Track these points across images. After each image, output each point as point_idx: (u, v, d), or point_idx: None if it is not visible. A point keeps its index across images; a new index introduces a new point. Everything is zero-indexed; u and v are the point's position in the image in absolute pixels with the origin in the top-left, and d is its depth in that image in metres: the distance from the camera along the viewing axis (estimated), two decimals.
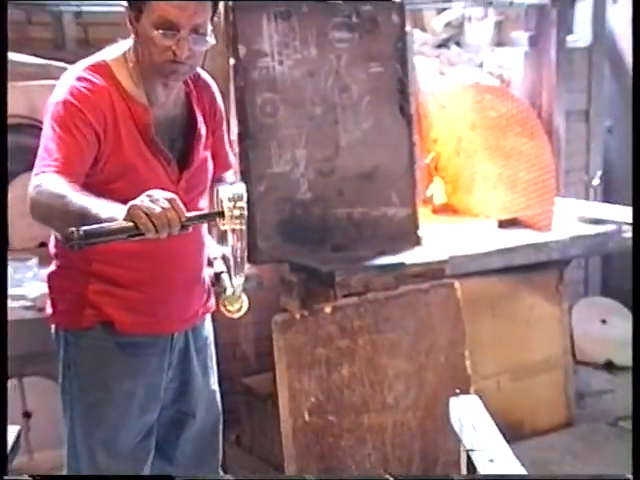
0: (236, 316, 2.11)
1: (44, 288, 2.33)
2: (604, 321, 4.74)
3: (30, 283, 3.06)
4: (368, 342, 3.33)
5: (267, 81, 3.45)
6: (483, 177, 4.15)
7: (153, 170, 2.11)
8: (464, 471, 2.01)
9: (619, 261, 4.93)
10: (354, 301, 3.29)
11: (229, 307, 2.11)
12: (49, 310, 2.27)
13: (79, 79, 2.05)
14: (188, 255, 2.22)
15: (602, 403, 4.24)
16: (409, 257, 3.47)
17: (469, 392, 3.15)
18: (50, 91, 2.11)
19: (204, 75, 2.30)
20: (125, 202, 1.81)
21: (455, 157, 4.28)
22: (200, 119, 2.21)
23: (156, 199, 1.77)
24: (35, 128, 2.83)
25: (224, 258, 2.23)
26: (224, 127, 2.36)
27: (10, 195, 3.04)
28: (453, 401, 2.14)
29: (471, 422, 2.00)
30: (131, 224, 1.76)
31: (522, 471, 1.73)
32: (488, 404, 2.13)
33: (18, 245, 3.33)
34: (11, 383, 3.38)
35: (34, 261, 3.14)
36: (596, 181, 4.50)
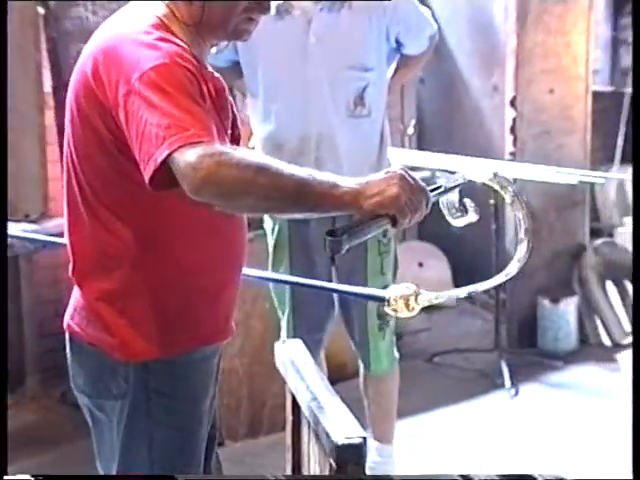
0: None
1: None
2: (421, 264, 4.95)
3: None
4: None
5: (81, 32, 3.36)
6: None
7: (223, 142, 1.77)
8: (289, 411, 2.09)
9: (433, 206, 5.14)
10: None
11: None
12: (106, 338, 1.77)
13: (162, 39, 1.66)
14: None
15: (419, 342, 4.45)
16: None
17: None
18: None
19: None
20: None
21: None
22: None
23: (415, 189, 1.61)
24: None
25: None
26: None
27: None
28: (278, 346, 2.20)
29: (295, 365, 2.06)
30: (386, 220, 1.59)
31: (343, 408, 1.81)
32: None
33: None
34: None
35: None
36: (410, 130, 4.66)
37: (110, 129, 1.67)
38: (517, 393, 3.97)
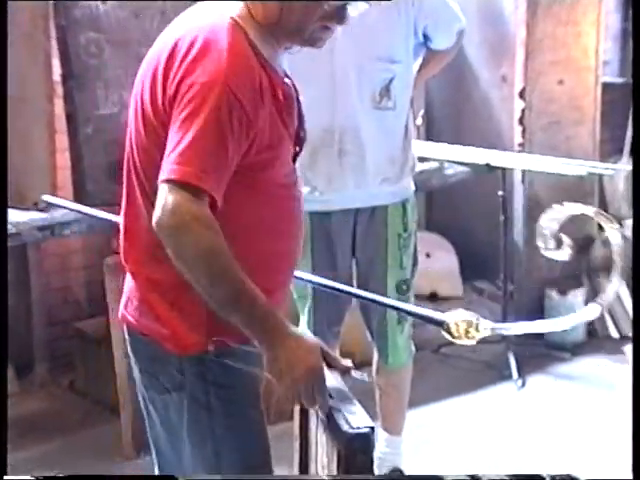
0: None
1: None
2: (428, 255, 4.94)
3: None
4: None
5: (90, 20, 3.37)
6: None
7: (287, 152, 1.82)
8: None
9: (441, 197, 5.15)
10: None
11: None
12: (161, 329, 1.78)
13: (232, 50, 1.65)
14: None
15: (426, 332, 4.43)
16: None
17: None
18: None
19: None
20: (270, 188, 1.72)
21: None
22: None
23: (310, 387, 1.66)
24: None
25: None
26: None
27: None
28: None
29: None
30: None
31: (351, 397, 1.81)
32: None
33: None
34: None
35: None
36: (419, 120, 4.64)
37: (163, 123, 1.68)
38: (524, 384, 3.97)
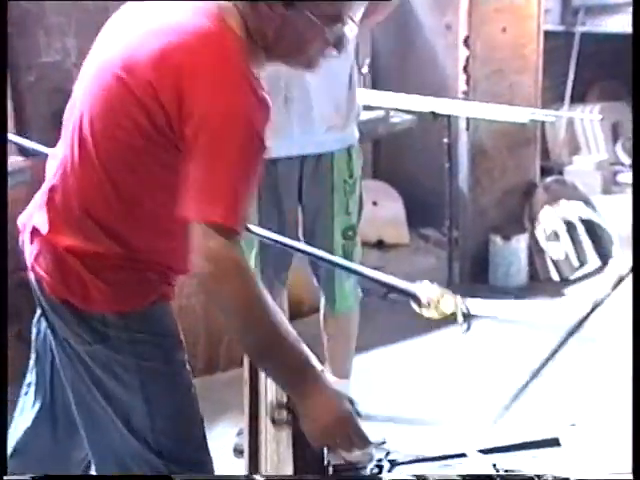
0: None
1: None
2: (375, 203, 4.98)
3: None
4: None
5: None
6: None
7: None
8: None
9: (387, 146, 5.17)
10: None
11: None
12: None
13: (244, 74, 1.61)
14: None
15: None
16: None
17: None
18: None
19: None
20: None
21: None
22: None
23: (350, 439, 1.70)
24: None
25: None
26: None
27: None
28: None
29: None
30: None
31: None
32: None
33: None
34: None
35: None
36: (365, 69, 4.65)
37: (153, 122, 1.64)
38: (469, 328, 4.04)
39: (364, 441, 1.73)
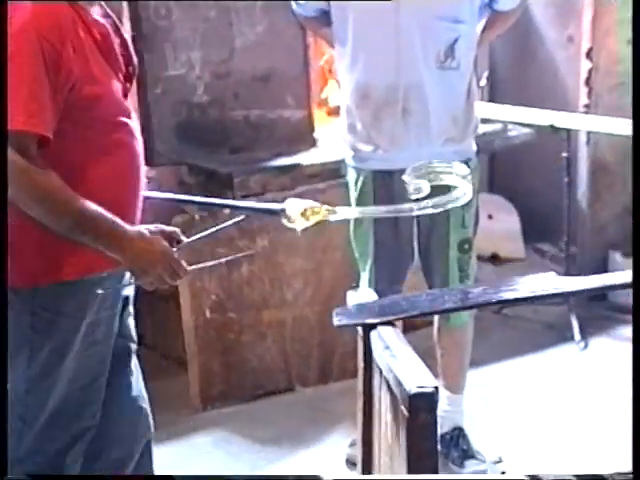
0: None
1: None
2: (490, 216, 4.94)
3: None
4: (267, 241, 3.42)
5: None
6: None
7: (114, 89, 2.03)
8: (361, 358, 2.14)
9: (504, 159, 5.12)
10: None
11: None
12: None
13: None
14: None
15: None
16: (305, 158, 3.55)
17: None
18: None
19: None
20: (101, 125, 1.95)
21: None
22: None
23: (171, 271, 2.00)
24: None
25: None
26: None
27: None
28: (350, 294, 2.24)
29: None
30: None
31: (415, 357, 1.86)
32: None
33: None
34: None
35: None
36: (483, 82, 4.62)
37: None
38: (587, 346, 3.97)
39: (182, 269, 2.01)
